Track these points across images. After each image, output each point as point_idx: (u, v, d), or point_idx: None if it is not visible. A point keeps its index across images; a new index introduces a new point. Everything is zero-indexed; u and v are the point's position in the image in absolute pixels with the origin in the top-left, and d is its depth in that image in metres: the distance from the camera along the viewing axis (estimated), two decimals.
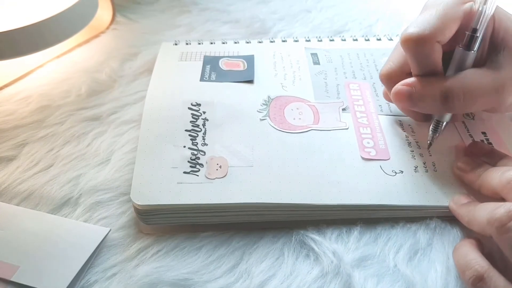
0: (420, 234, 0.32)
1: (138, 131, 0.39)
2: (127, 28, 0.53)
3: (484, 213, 0.27)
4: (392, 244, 0.31)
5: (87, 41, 0.51)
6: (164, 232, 0.32)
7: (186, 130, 0.37)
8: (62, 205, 0.34)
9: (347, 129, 0.38)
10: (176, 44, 0.48)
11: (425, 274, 0.29)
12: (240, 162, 0.34)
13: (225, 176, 0.33)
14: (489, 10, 0.32)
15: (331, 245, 0.31)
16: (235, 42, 0.48)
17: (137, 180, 0.33)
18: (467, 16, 0.32)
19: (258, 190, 0.32)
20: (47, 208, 0.34)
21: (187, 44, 0.48)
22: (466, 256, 0.28)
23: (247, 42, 0.48)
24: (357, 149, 0.36)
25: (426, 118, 0.37)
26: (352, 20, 0.55)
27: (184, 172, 0.33)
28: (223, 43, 0.48)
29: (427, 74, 0.33)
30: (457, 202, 0.31)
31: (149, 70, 0.46)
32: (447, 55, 0.33)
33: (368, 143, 0.36)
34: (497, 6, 0.32)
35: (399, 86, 0.34)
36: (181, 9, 0.57)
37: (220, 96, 0.40)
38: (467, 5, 0.33)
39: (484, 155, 0.34)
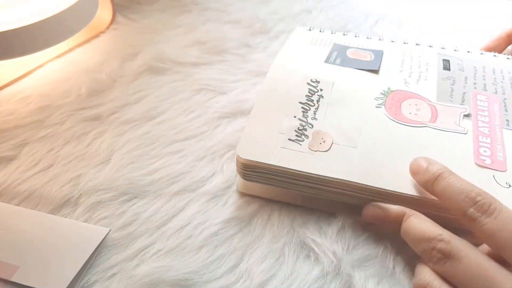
0: None
1: (138, 131, 0.39)
2: (127, 28, 0.53)
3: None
4: (393, 245, 0.31)
5: (87, 41, 0.51)
6: (259, 194, 0.35)
7: (300, 102, 0.38)
8: (62, 205, 0.34)
9: (465, 134, 0.35)
10: (310, 30, 0.48)
11: None
12: (345, 142, 0.34)
13: (327, 151, 0.34)
14: None
15: (331, 245, 0.31)
16: (368, 38, 0.47)
17: (245, 137, 0.35)
18: None
19: (357, 171, 0.32)
20: (47, 208, 0.34)
21: (320, 31, 0.48)
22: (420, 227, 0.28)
23: (380, 40, 0.47)
24: (471, 154, 0.34)
25: None
26: (352, 20, 0.55)
27: (289, 139, 0.34)
28: (356, 36, 0.47)
29: None
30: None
31: (149, 70, 0.46)
32: None
33: (485, 151, 0.34)
34: None
35: None
36: (181, 9, 0.57)
37: (341, 78, 0.40)
38: None
39: None
